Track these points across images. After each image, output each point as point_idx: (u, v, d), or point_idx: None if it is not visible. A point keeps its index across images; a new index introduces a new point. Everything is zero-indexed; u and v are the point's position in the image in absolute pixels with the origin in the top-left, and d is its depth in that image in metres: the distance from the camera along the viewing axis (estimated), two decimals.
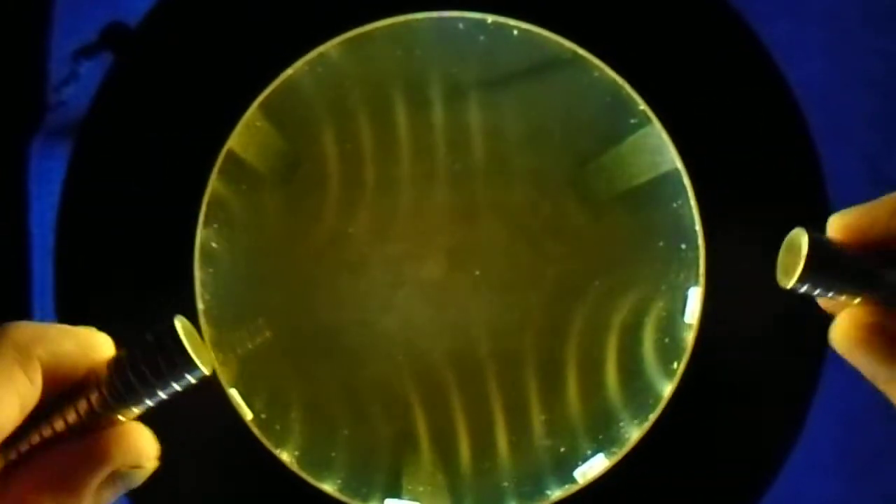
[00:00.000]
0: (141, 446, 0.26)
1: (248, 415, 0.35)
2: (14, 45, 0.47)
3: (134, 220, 0.36)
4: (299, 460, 0.36)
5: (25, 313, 0.45)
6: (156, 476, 0.27)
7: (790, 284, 0.26)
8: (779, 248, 0.29)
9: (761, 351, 0.35)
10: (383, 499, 0.37)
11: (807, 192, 0.36)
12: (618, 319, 0.36)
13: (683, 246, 0.36)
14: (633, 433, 0.35)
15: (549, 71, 0.38)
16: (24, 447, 0.26)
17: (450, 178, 0.38)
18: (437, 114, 0.39)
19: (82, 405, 0.26)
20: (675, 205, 0.37)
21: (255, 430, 0.35)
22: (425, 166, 0.38)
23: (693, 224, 0.36)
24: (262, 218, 0.38)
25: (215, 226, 0.37)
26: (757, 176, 0.36)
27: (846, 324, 0.26)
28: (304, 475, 0.35)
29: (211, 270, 0.36)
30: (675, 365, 0.35)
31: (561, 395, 0.38)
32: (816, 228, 0.32)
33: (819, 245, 0.26)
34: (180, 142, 0.36)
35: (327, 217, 0.39)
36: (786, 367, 0.31)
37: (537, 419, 0.38)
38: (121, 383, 0.26)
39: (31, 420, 0.25)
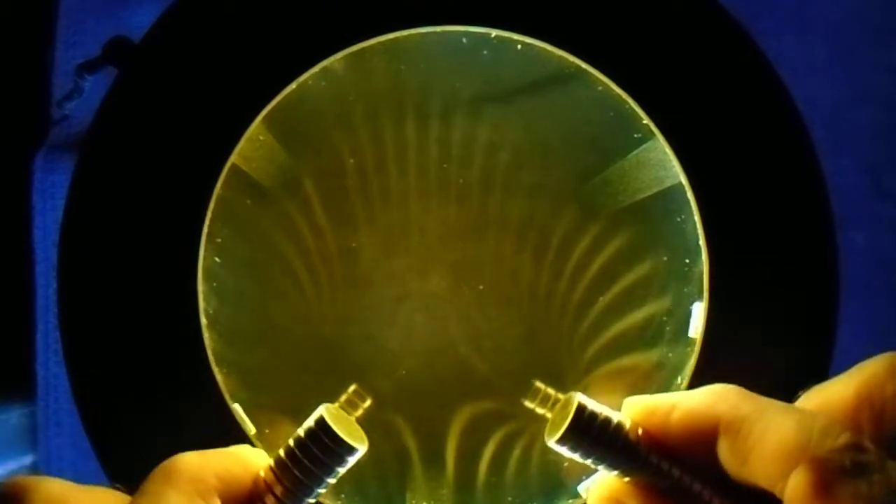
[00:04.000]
0: None
1: (251, 430, 0.35)
2: (17, 60, 0.47)
3: (137, 234, 0.36)
4: None
5: (28, 328, 0.45)
6: None
7: (553, 442, 0.29)
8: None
9: (764, 366, 0.35)
10: None
11: (810, 207, 0.36)
12: (621, 334, 0.36)
13: (687, 261, 0.37)
14: None
15: (552, 86, 0.38)
16: None
17: (454, 192, 0.38)
18: (441, 128, 0.38)
19: None
20: (678, 219, 0.37)
21: (259, 445, 0.35)
22: (429, 181, 0.38)
23: (697, 239, 0.36)
24: (265, 232, 0.38)
25: (218, 240, 0.37)
26: (761, 190, 0.36)
27: (594, 490, 0.29)
28: None
29: (214, 285, 0.36)
30: (679, 380, 0.35)
31: None
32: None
33: (584, 413, 0.28)
34: (183, 156, 0.36)
35: (331, 232, 0.38)
36: (790, 383, 0.31)
37: (542, 433, 0.38)
38: (289, 482, 0.29)
39: None
